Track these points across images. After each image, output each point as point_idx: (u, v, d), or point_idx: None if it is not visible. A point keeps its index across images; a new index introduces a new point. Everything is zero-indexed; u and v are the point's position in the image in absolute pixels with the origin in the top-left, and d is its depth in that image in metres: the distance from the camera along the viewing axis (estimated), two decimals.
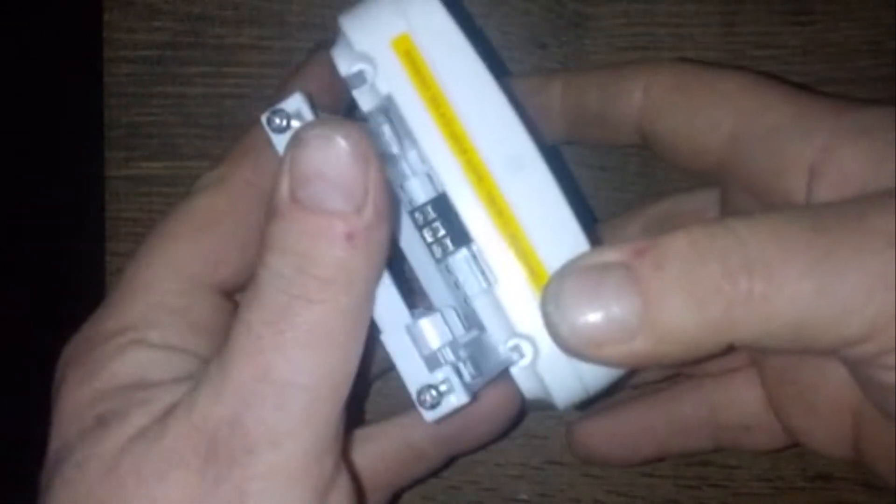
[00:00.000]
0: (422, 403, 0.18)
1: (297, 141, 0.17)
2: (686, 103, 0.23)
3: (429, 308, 0.20)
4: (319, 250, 0.17)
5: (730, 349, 0.17)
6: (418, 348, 0.19)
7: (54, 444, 0.19)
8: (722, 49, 0.30)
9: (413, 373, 0.18)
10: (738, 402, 0.25)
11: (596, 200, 0.30)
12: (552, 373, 0.19)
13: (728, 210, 0.25)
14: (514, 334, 0.19)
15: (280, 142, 0.19)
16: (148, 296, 0.20)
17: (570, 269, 0.17)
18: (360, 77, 0.19)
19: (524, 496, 0.31)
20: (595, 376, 0.19)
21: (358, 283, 0.17)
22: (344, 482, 0.19)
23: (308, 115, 0.19)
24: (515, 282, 0.19)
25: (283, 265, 0.17)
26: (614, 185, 0.30)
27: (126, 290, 0.21)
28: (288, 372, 0.17)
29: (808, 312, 0.17)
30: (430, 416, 0.18)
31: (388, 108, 0.19)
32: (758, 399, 0.25)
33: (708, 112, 0.23)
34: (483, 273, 0.19)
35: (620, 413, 0.27)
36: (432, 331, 0.19)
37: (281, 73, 0.30)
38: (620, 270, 0.17)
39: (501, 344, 0.19)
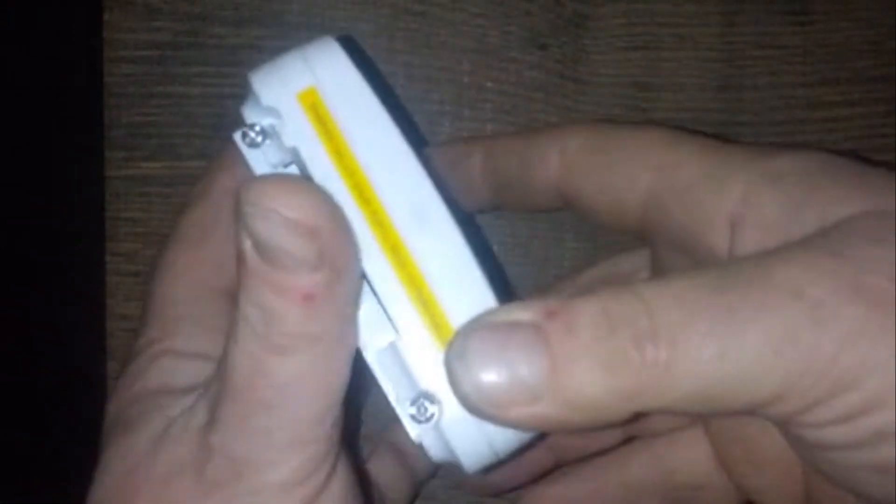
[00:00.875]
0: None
1: (239, 208, 0.17)
2: (601, 163, 0.23)
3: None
4: (281, 307, 0.17)
5: (641, 415, 0.17)
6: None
7: (100, 450, 0.21)
8: (722, 49, 0.30)
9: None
10: (688, 463, 0.24)
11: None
12: (458, 434, 0.18)
13: (658, 269, 0.24)
14: (418, 391, 0.18)
15: (254, 157, 0.19)
16: (167, 308, 0.22)
17: (478, 325, 0.17)
18: (266, 131, 0.19)
19: None
20: (505, 439, 0.19)
21: (324, 336, 0.18)
22: (337, 487, 0.19)
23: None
24: (418, 336, 0.18)
25: (254, 317, 0.17)
26: None
27: (149, 306, 0.22)
28: (268, 418, 0.18)
29: (712, 379, 0.16)
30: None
31: (293, 162, 0.19)
32: (707, 458, 0.24)
33: (623, 170, 0.22)
34: (390, 325, 0.19)
35: (571, 479, 0.26)
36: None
37: None
38: (530, 330, 0.16)
39: (405, 401, 0.18)
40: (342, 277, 0.17)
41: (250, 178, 0.18)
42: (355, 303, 0.18)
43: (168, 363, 0.21)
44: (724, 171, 0.20)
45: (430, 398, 0.18)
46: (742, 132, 0.30)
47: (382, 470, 0.26)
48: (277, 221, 0.16)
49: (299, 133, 0.19)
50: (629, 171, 0.22)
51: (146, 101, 0.31)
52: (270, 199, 0.17)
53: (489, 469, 0.19)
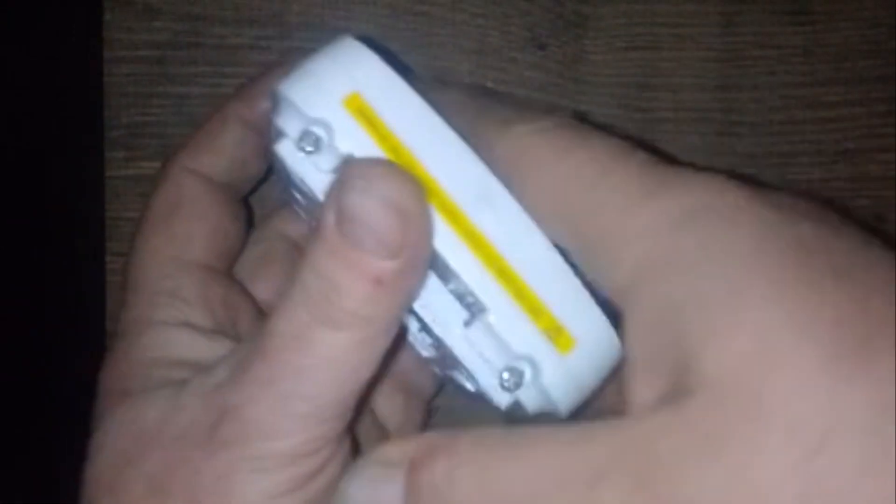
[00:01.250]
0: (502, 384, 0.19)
1: (340, 182, 0.17)
2: None
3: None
4: (348, 284, 0.17)
5: None
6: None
7: (94, 425, 0.21)
8: (722, 49, 0.30)
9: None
10: None
11: None
12: (558, 385, 0.19)
13: None
14: (512, 358, 0.19)
15: (306, 166, 0.19)
16: (146, 284, 0.22)
17: (358, 469, 0.18)
18: (308, 145, 0.19)
19: None
20: (590, 375, 0.20)
21: (378, 321, 0.18)
22: (334, 468, 0.19)
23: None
24: (507, 307, 0.19)
25: (315, 286, 0.18)
26: None
27: (129, 284, 0.23)
28: (295, 384, 0.18)
29: None
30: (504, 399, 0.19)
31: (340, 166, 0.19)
32: None
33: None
34: (470, 306, 0.19)
35: None
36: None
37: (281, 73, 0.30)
38: (399, 481, 0.17)
39: (494, 373, 0.19)
40: (414, 271, 0.18)
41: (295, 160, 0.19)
42: (412, 301, 0.19)
43: (157, 334, 0.21)
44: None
45: (529, 360, 0.19)
46: (742, 132, 0.30)
47: (389, 402, 0.26)
48: (375, 198, 0.17)
49: (353, 138, 0.19)
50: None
51: (146, 101, 0.31)
52: (373, 176, 0.17)
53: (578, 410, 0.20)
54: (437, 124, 0.19)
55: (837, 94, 0.30)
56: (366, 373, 0.19)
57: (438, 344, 0.20)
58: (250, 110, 0.24)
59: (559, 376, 0.19)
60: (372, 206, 0.17)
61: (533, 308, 0.19)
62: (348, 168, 0.18)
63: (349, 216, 0.17)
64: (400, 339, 0.20)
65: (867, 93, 0.30)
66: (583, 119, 0.19)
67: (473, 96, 0.21)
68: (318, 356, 0.18)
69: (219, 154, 0.24)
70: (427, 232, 0.18)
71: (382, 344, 0.19)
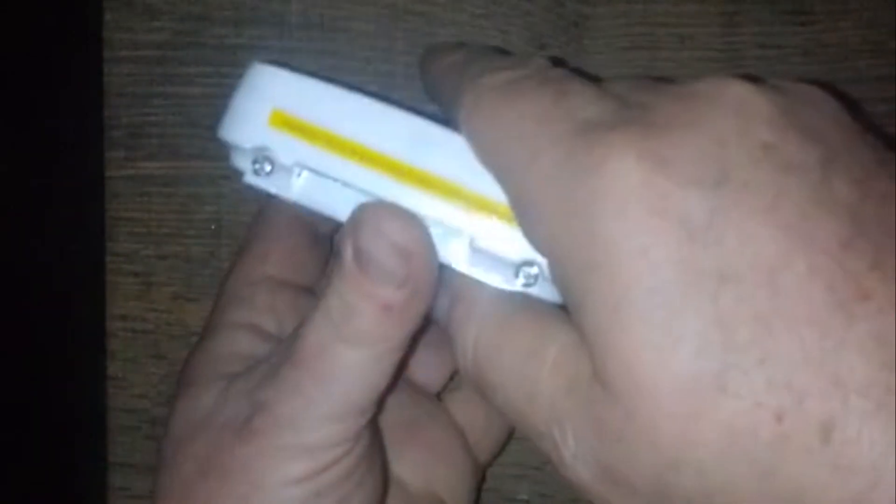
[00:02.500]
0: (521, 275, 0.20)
1: (356, 222, 0.20)
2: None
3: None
4: (362, 308, 0.20)
5: None
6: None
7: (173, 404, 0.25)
8: (722, 49, 0.30)
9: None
10: None
11: None
12: None
13: None
14: (516, 265, 0.20)
15: (271, 185, 0.22)
16: (227, 294, 0.26)
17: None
18: (265, 166, 0.21)
19: (524, 496, 0.31)
20: None
21: (388, 340, 0.21)
22: (348, 462, 0.22)
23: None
24: (487, 226, 0.20)
25: (336, 307, 0.21)
26: None
27: (220, 295, 0.26)
28: (317, 389, 0.21)
29: None
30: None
31: (301, 171, 0.21)
32: None
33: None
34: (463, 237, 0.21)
35: None
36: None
37: None
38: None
39: (511, 280, 0.20)
40: (418, 298, 0.20)
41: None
42: (420, 321, 0.21)
43: (225, 334, 0.25)
44: None
45: (529, 263, 0.20)
46: None
47: (472, 413, 0.28)
48: (383, 239, 0.20)
49: (290, 149, 0.21)
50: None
51: (146, 101, 0.31)
52: (381, 221, 0.20)
53: None
54: (354, 99, 0.21)
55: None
56: (380, 382, 0.21)
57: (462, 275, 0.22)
58: None
59: None
60: (381, 246, 0.20)
61: (509, 217, 0.20)
62: (362, 211, 0.20)
63: (363, 253, 0.20)
64: (412, 348, 0.22)
65: (867, 93, 0.30)
66: (560, 63, 0.20)
67: (468, 53, 0.22)
68: (338, 367, 0.21)
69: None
70: (428, 266, 0.20)
71: (394, 358, 0.21)
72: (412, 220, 0.20)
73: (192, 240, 0.31)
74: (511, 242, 0.20)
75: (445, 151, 0.20)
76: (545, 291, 0.20)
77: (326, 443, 0.21)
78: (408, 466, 0.26)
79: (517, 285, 0.20)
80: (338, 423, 0.21)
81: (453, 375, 0.29)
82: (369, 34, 0.30)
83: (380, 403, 0.22)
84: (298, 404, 0.21)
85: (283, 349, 0.22)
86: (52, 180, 0.29)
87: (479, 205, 0.20)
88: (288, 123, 0.21)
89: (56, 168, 0.29)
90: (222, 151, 0.28)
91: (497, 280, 0.21)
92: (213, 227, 0.31)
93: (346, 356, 0.21)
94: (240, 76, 0.29)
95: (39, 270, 0.28)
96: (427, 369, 0.28)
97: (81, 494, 0.31)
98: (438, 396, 0.29)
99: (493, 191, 0.20)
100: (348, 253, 0.20)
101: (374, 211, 0.20)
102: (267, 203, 0.27)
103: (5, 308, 0.26)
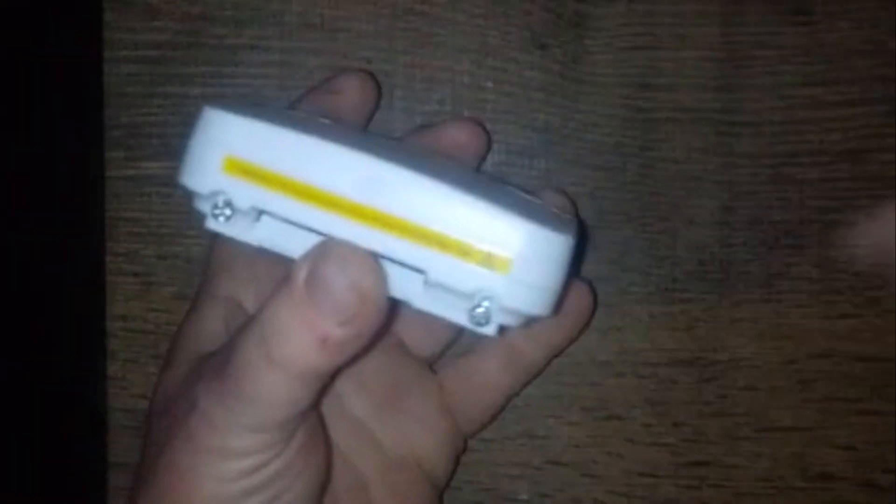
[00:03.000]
0: (476, 323, 0.21)
1: (323, 252, 0.20)
2: None
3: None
4: (299, 334, 0.20)
5: None
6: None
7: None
8: (722, 49, 0.30)
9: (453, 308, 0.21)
10: None
11: (596, 200, 0.30)
12: (519, 300, 0.21)
13: None
14: (469, 297, 0.21)
15: (233, 230, 0.22)
16: (211, 266, 0.27)
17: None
18: (225, 211, 0.22)
19: (524, 496, 0.31)
20: (547, 272, 0.21)
21: (312, 371, 0.21)
22: (278, 463, 0.22)
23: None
24: (435, 262, 0.21)
25: (269, 326, 0.20)
26: (614, 185, 0.30)
27: (206, 266, 0.27)
28: (240, 404, 0.21)
29: None
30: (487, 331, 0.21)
31: (260, 214, 0.22)
32: None
33: None
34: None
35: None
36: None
37: (281, 73, 0.30)
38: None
39: (464, 315, 0.21)
40: (357, 341, 0.20)
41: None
42: (349, 361, 0.21)
43: (208, 307, 0.25)
44: None
45: (483, 295, 0.21)
46: (742, 132, 0.30)
47: (463, 383, 0.29)
48: (345, 276, 0.20)
49: (245, 195, 0.21)
50: None
51: (146, 101, 0.31)
52: (349, 259, 0.20)
53: (559, 304, 0.22)
54: (306, 141, 0.21)
55: (837, 94, 0.30)
56: (304, 402, 0.22)
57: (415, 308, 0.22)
58: None
59: (517, 293, 0.21)
60: (341, 282, 0.20)
61: (460, 250, 0.20)
62: (332, 245, 0.20)
63: (319, 281, 0.20)
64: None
65: (867, 93, 0.30)
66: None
67: None
68: (260, 386, 0.21)
69: None
70: (377, 314, 0.20)
71: (319, 384, 0.22)
72: (378, 269, 0.20)
73: (192, 240, 0.31)
74: (466, 276, 0.20)
75: (398, 189, 0.20)
76: (504, 318, 0.21)
77: (252, 449, 0.22)
78: (389, 431, 0.27)
79: (475, 321, 0.21)
80: (261, 434, 0.22)
81: (450, 345, 0.29)
82: (369, 34, 0.30)
83: (309, 412, 0.23)
84: (225, 413, 0.21)
85: (221, 352, 0.22)
86: (52, 180, 0.29)
87: (433, 241, 0.20)
88: (242, 169, 0.21)
89: (56, 168, 0.29)
90: None
91: (452, 315, 0.21)
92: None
93: (271, 377, 0.21)
94: (240, 76, 0.30)
95: (39, 270, 0.28)
96: (420, 335, 0.29)
97: (81, 494, 0.31)
98: (432, 368, 0.29)
99: (447, 226, 0.20)
100: (300, 277, 0.20)
101: (342, 248, 0.20)
102: None
103: (5, 308, 0.26)
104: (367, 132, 0.29)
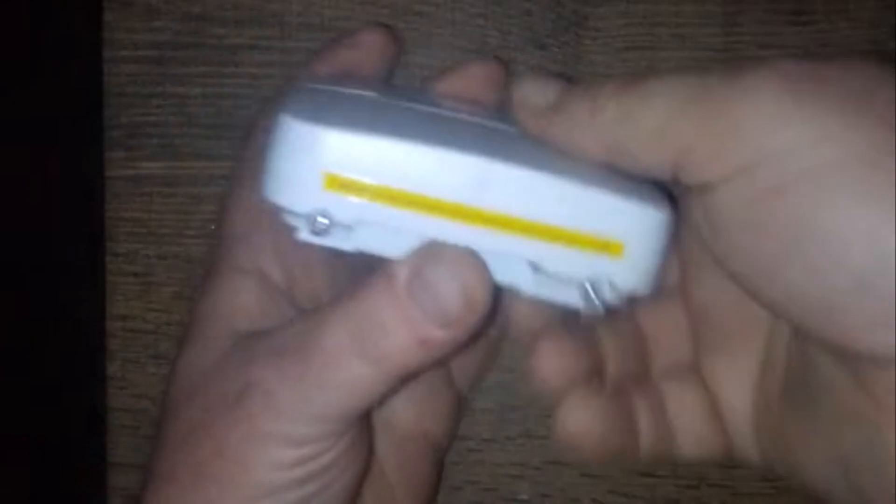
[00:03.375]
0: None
1: (430, 253, 0.20)
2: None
3: None
4: (397, 333, 0.20)
5: None
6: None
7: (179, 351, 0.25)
8: (722, 49, 0.30)
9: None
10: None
11: None
12: (630, 281, 0.21)
13: None
14: (583, 283, 0.21)
15: (331, 241, 0.21)
16: (231, 233, 0.25)
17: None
18: (322, 224, 0.20)
19: (524, 496, 0.31)
20: (653, 252, 0.21)
21: (406, 370, 0.21)
22: (330, 455, 0.22)
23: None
24: (551, 255, 0.21)
25: (365, 321, 0.20)
26: None
27: (220, 233, 0.26)
28: (315, 390, 0.21)
29: (621, 136, 0.20)
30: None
31: (360, 224, 0.21)
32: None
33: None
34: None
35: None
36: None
37: (281, 73, 0.30)
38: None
39: (576, 298, 0.21)
40: (454, 344, 0.21)
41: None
42: (441, 362, 0.21)
43: (233, 280, 0.24)
44: None
45: (598, 281, 0.21)
46: None
47: (427, 403, 0.28)
48: (456, 280, 0.20)
49: (348, 209, 0.20)
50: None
51: (146, 101, 0.31)
52: (461, 264, 0.20)
53: None
54: (407, 149, 0.20)
55: None
56: (381, 397, 0.21)
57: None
58: None
59: (628, 275, 0.21)
60: (449, 285, 0.20)
61: (573, 240, 0.21)
62: (441, 248, 0.20)
63: (425, 282, 0.20)
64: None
65: None
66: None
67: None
68: (346, 378, 0.21)
69: None
70: (477, 320, 0.20)
71: (401, 383, 0.21)
72: (486, 273, 0.20)
73: (192, 240, 0.31)
74: (580, 264, 0.21)
75: (507, 188, 0.20)
76: (615, 299, 0.21)
77: (314, 438, 0.21)
78: (399, 403, 0.27)
79: (590, 302, 0.21)
80: (326, 424, 0.21)
81: None
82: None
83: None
84: (296, 399, 0.21)
85: (292, 335, 0.22)
86: (52, 180, 0.29)
87: (546, 234, 0.20)
88: (343, 185, 0.20)
89: (56, 168, 0.29)
90: (222, 151, 0.29)
91: (563, 298, 0.21)
92: (213, 227, 0.31)
93: (358, 370, 0.20)
94: (240, 76, 0.29)
95: (40, 270, 0.28)
96: None
97: (81, 494, 0.31)
98: None
99: (559, 218, 0.20)
100: (403, 274, 0.20)
101: (453, 252, 0.20)
102: (254, 126, 0.26)
103: (5, 308, 0.26)
104: (413, 92, 0.28)
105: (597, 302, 0.21)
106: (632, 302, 0.22)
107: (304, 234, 0.21)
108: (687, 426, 0.25)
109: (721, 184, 0.19)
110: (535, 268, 0.21)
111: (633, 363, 0.25)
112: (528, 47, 0.30)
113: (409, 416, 0.27)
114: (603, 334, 0.25)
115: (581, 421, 0.24)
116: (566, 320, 0.24)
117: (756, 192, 0.19)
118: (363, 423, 0.23)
